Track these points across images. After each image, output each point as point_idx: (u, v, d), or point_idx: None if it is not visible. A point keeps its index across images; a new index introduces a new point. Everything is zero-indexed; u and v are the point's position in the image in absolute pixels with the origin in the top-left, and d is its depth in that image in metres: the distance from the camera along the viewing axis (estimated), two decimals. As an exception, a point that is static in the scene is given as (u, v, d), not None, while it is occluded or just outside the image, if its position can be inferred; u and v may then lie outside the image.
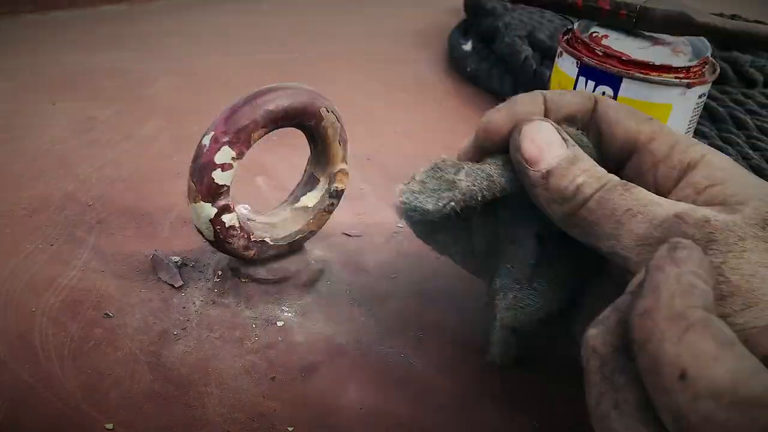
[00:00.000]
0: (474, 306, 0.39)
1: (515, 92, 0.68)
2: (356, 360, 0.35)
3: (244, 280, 0.38)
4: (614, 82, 0.39)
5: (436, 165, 0.30)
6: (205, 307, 0.37)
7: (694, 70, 0.39)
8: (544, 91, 0.30)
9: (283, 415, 0.31)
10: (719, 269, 0.24)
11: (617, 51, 0.39)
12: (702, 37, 0.42)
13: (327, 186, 0.39)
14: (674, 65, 0.38)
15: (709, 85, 0.40)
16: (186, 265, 0.39)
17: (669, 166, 0.28)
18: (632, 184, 0.27)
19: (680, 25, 0.40)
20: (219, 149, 0.32)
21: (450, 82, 0.71)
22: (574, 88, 0.41)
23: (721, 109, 0.59)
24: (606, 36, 0.40)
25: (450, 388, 0.34)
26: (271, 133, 0.34)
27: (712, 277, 0.23)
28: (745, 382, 0.19)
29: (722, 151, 0.54)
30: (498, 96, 0.67)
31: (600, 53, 0.39)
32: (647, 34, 0.41)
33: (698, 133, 0.57)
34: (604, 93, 0.39)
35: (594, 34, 0.41)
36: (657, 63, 0.38)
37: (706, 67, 0.41)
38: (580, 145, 0.28)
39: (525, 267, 0.31)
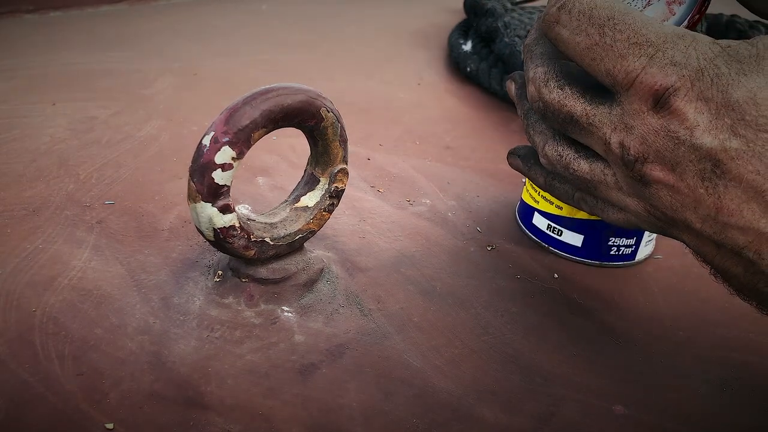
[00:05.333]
0: (475, 305, 0.39)
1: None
2: (356, 360, 0.35)
3: (244, 280, 0.38)
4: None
5: None
6: (206, 307, 0.37)
7: None
8: None
9: (283, 415, 0.31)
10: None
11: None
12: None
13: (327, 186, 0.39)
14: None
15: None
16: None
17: None
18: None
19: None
20: (219, 149, 0.32)
21: (450, 82, 0.71)
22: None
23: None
24: None
25: (450, 388, 0.34)
26: (271, 133, 0.34)
27: None
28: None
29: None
30: (498, 96, 0.67)
31: None
32: None
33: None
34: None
35: None
36: None
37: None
38: None
39: None
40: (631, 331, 0.39)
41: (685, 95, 0.27)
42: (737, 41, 0.28)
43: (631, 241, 0.44)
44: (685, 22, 0.37)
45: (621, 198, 0.33)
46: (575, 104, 0.32)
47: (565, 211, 0.44)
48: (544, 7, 0.67)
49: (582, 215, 0.43)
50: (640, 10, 0.38)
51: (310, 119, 0.35)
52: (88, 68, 0.64)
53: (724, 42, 0.28)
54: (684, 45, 0.28)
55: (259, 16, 0.84)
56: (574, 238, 0.44)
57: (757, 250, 0.28)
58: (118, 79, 0.63)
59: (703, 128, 0.27)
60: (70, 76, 0.62)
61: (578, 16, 0.30)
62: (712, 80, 0.27)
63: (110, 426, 0.30)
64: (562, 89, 0.33)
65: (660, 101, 0.28)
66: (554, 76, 0.33)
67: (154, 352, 0.34)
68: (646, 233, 0.44)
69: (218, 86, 0.64)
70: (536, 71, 0.34)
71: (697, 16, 0.37)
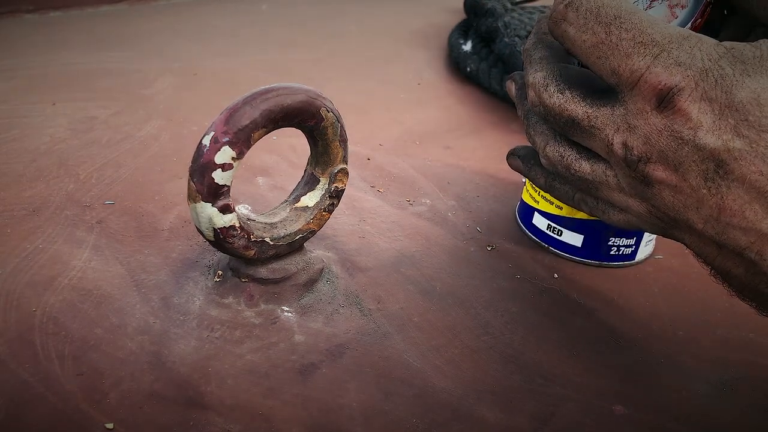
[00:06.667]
0: (475, 305, 0.39)
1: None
2: (356, 360, 0.35)
3: (244, 280, 0.38)
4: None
5: None
6: (206, 307, 0.37)
7: None
8: None
9: (283, 415, 0.31)
10: None
11: None
12: None
13: (327, 186, 0.39)
14: None
15: None
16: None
17: None
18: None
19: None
20: (219, 149, 0.32)
21: (450, 82, 0.71)
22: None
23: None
24: None
25: (450, 388, 0.34)
26: (271, 133, 0.34)
27: None
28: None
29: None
30: (498, 96, 0.67)
31: None
32: None
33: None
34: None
35: None
36: None
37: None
38: None
39: None
40: (631, 331, 0.39)
41: (689, 95, 0.28)
42: (741, 43, 0.28)
43: (631, 241, 0.44)
44: (688, 25, 0.37)
45: (623, 199, 0.33)
46: (576, 108, 0.32)
47: (565, 211, 0.44)
48: (545, 7, 0.68)
49: (582, 215, 0.43)
50: None
51: (310, 119, 0.35)
52: (88, 68, 0.64)
53: (728, 43, 0.28)
54: (689, 46, 0.28)
55: (259, 16, 0.84)
56: (574, 238, 0.44)
57: (759, 251, 0.28)
58: (118, 79, 0.63)
59: (706, 128, 0.27)
60: (70, 76, 0.62)
61: (585, 14, 0.30)
62: (716, 81, 0.27)
63: (110, 426, 0.30)
64: (562, 93, 0.33)
65: (664, 101, 0.28)
66: (554, 80, 0.33)
67: (154, 352, 0.34)
68: (647, 233, 0.44)
69: (218, 86, 0.64)
70: (535, 76, 0.34)
71: (699, 20, 0.36)
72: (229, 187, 0.34)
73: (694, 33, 0.29)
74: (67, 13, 0.78)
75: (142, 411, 0.31)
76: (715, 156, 0.27)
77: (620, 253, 0.44)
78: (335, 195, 0.39)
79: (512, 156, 0.42)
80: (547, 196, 0.44)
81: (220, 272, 0.39)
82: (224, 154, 0.33)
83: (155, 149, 0.52)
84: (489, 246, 0.45)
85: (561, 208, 0.44)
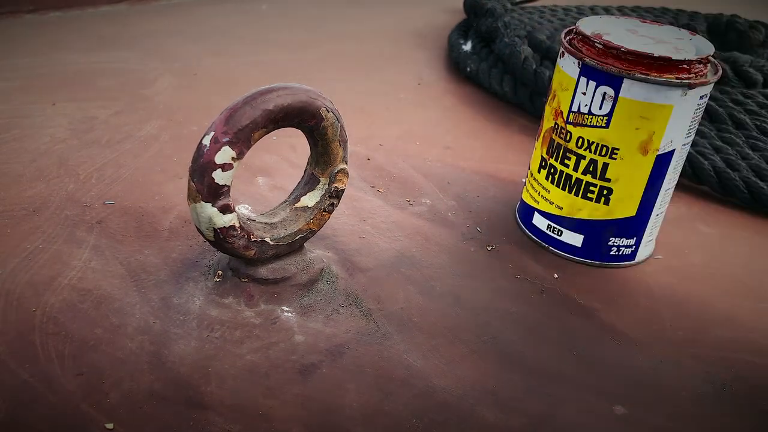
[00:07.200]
0: (475, 305, 0.39)
1: (515, 92, 0.68)
2: (356, 360, 0.35)
3: (244, 280, 0.38)
4: (615, 83, 0.39)
5: None
6: (206, 307, 0.37)
7: (696, 70, 0.39)
8: None
9: (283, 415, 0.31)
10: None
11: (617, 44, 0.39)
12: (703, 39, 0.42)
13: (327, 186, 0.39)
14: (674, 57, 0.38)
15: (711, 86, 0.40)
16: (186, 265, 0.39)
17: None
18: None
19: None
20: (219, 149, 0.32)
21: (450, 82, 0.71)
22: (576, 89, 0.41)
23: (720, 109, 0.59)
24: (608, 33, 0.40)
25: (450, 388, 0.34)
26: (271, 133, 0.34)
27: None
28: None
29: (721, 152, 0.54)
30: (498, 96, 0.67)
31: (600, 45, 0.39)
32: (650, 36, 0.41)
33: (698, 133, 0.57)
34: (605, 93, 0.39)
35: (595, 32, 0.41)
36: (656, 54, 0.38)
37: (708, 67, 0.41)
38: None
39: None
40: (631, 331, 0.39)
41: None
42: None
43: (631, 242, 0.44)
44: None
45: None
46: None
47: (565, 211, 0.44)
48: (544, 7, 0.68)
49: (582, 215, 0.43)
50: None
51: (310, 119, 0.35)
52: (88, 68, 0.64)
53: None
54: None
55: (259, 16, 0.84)
56: (574, 238, 0.44)
57: None
58: (118, 79, 0.63)
59: None
60: (70, 76, 0.62)
61: None
62: None
63: (110, 426, 0.30)
64: None
65: None
66: None
67: (154, 352, 0.34)
68: (646, 233, 0.44)
69: (218, 86, 0.64)
70: None
71: None
72: (229, 187, 0.34)
73: None
74: (67, 13, 0.78)
75: (142, 411, 0.31)
76: None
77: (620, 253, 0.44)
78: (335, 195, 0.39)
79: None
80: (547, 195, 0.44)
81: (220, 272, 0.39)
82: (224, 154, 0.33)
83: (155, 149, 0.52)
84: (489, 246, 0.45)
85: (561, 208, 0.44)
